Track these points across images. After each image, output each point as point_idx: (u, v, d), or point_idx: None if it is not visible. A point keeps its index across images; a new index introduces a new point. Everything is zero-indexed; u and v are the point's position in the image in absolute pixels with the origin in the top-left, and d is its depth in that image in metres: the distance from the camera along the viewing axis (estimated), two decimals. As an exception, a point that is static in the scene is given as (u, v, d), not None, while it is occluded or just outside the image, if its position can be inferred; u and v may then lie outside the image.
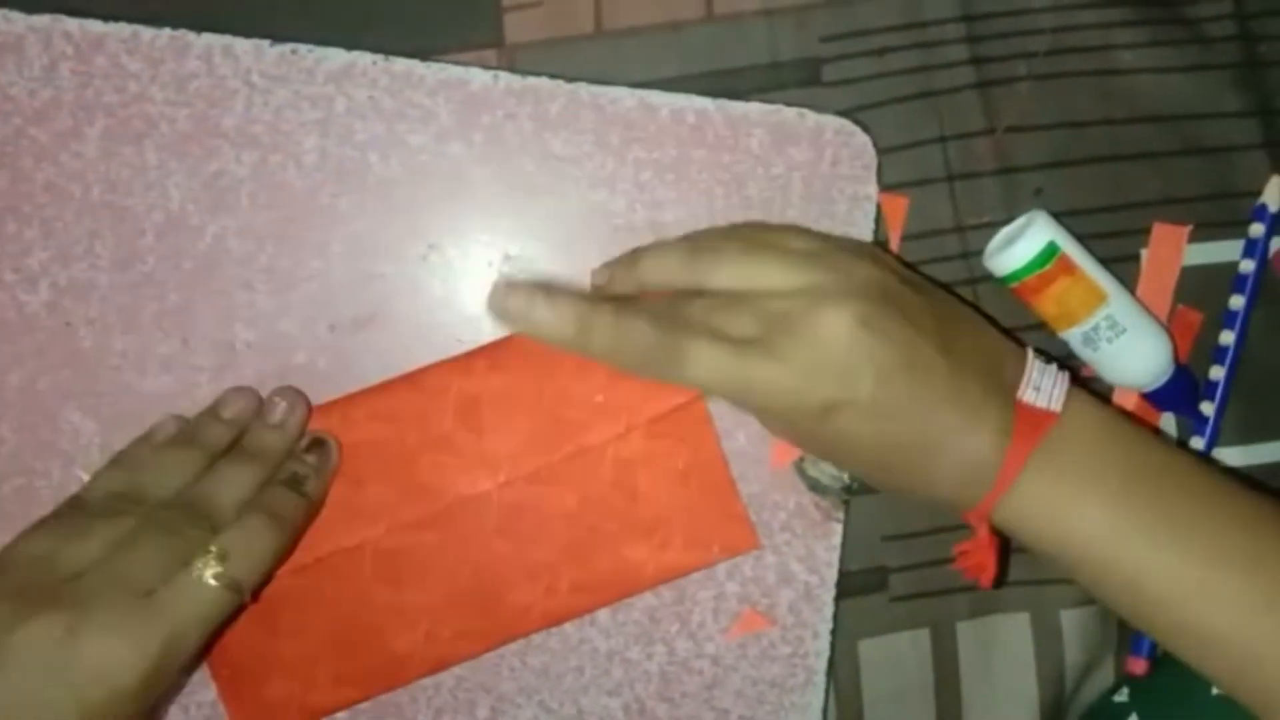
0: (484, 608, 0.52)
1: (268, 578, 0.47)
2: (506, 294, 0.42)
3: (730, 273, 0.46)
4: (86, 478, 0.51)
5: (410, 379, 0.52)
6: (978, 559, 0.48)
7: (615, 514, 0.53)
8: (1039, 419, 0.45)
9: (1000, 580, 0.51)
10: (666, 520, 0.53)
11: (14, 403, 0.51)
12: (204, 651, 0.50)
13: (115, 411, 0.52)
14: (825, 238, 0.48)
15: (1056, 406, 0.45)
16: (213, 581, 0.44)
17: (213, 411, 0.51)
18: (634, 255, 0.50)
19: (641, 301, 0.46)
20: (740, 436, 0.53)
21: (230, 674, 0.52)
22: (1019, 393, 0.45)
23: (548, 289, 0.42)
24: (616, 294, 0.50)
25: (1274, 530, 0.45)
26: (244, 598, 0.45)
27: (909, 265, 0.51)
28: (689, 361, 0.43)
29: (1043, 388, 0.46)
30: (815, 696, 0.55)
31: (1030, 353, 0.47)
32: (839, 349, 0.43)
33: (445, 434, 0.51)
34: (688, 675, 0.54)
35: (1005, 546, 0.50)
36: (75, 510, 0.47)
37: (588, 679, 0.54)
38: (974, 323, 0.48)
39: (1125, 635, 0.55)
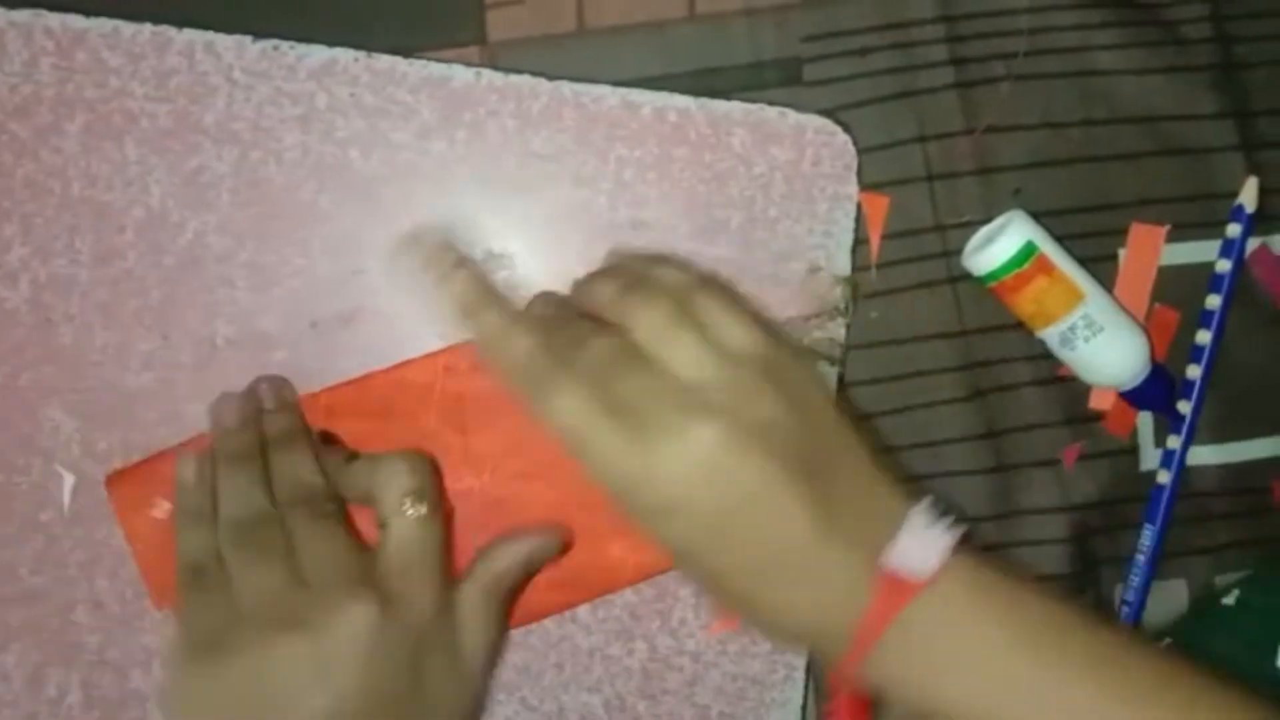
0: None
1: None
2: (428, 243, 0.42)
3: (645, 332, 0.43)
4: (67, 474, 0.51)
5: (394, 374, 0.52)
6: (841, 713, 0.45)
7: (596, 511, 0.52)
8: (901, 586, 0.42)
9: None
10: None
11: (-6, 399, 0.51)
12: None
13: (96, 408, 0.52)
14: (769, 339, 0.45)
15: (926, 572, 0.42)
16: (410, 512, 0.45)
17: (221, 425, 0.49)
18: (582, 278, 0.49)
19: (549, 322, 0.46)
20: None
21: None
22: (885, 556, 0.42)
23: (467, 263, 0.43)
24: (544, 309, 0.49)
25: (1170, 683, 0.42)
26: (445, 509, 0.47)
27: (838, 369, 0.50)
28: (551, 397, 0.42)
29: (914, 550, 0.42)
30: (795, 692, 0.55)
31: (913, 512, 0.43)
32: (695, 462, 0.41)
33: (430, 431, 0.51)
34: (669, 672, 0.54)
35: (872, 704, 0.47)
36: (201, 574, 0.46)
37: (568, 676, 0.54)
38: (859, 470, 0.44)
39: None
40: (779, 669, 0.55)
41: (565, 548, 0.50)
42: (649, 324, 0.43)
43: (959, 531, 0.43)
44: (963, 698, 0.42)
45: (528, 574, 0.49)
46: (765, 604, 0.43)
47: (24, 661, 0.51)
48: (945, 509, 0.44)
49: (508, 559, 0.49)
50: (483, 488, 0.52)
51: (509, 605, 0.50)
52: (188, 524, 0.48)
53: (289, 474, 0.47)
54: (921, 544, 0.42)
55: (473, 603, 0.47)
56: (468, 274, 0.43)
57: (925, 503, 0.44)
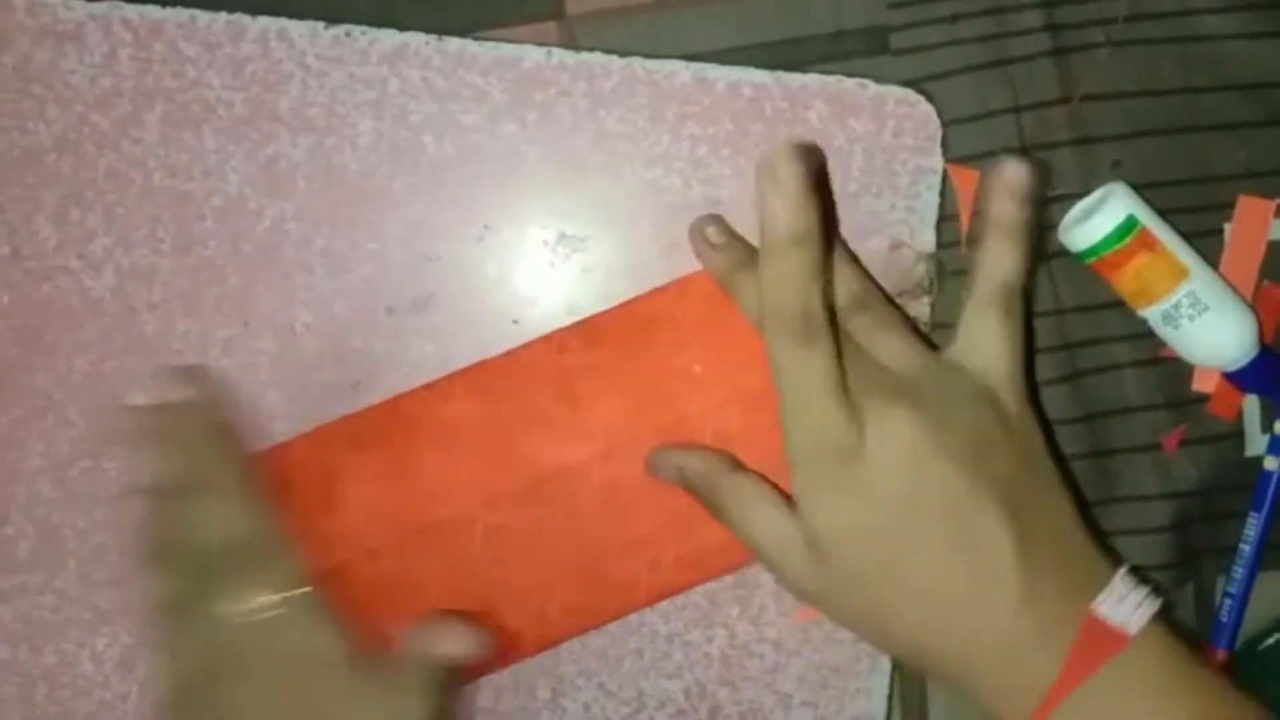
0: (589, 583, 0.52)
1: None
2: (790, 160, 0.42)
3: (858, 326, 0.47)
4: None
5: (507, 356, 0.52)
6: None
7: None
8: (1106, 637, 0.41)
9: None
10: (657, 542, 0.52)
11: (80, 387, 0.52)
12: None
13: (179, 395, 0.53)
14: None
15: (1133, 626, 0.42)
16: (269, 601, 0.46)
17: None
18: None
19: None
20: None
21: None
22: (1092, 604, 0.42)
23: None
24: None
25: None
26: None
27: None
28: (805, 354, 0.43)
29: (1118, 607, 0.42)
30: (880, 681, 0.54)
31: (1121, 570, 0.44)
32: (905, 444, 0.43)
33: (543, 410, 0.51)
34: (749, 659, 0.54)
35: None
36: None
37: (647, 662, 0.54)
38: (1063, 515, 0.45)
39: (1204, 627, 0.53)
40: (863, 658, 0.53)
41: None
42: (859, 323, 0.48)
43: (1159, 601, 0.43)
44: None
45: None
46: (940, 623, 0.43)
47: (115, 644, 0.53)
48: (1143, 579, 0.44)
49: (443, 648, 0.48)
50: (598, 465, 0.51)
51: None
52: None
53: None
54: (1125, 603, 0.42)
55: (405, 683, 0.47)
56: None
57: (1126, 567, 0.44)
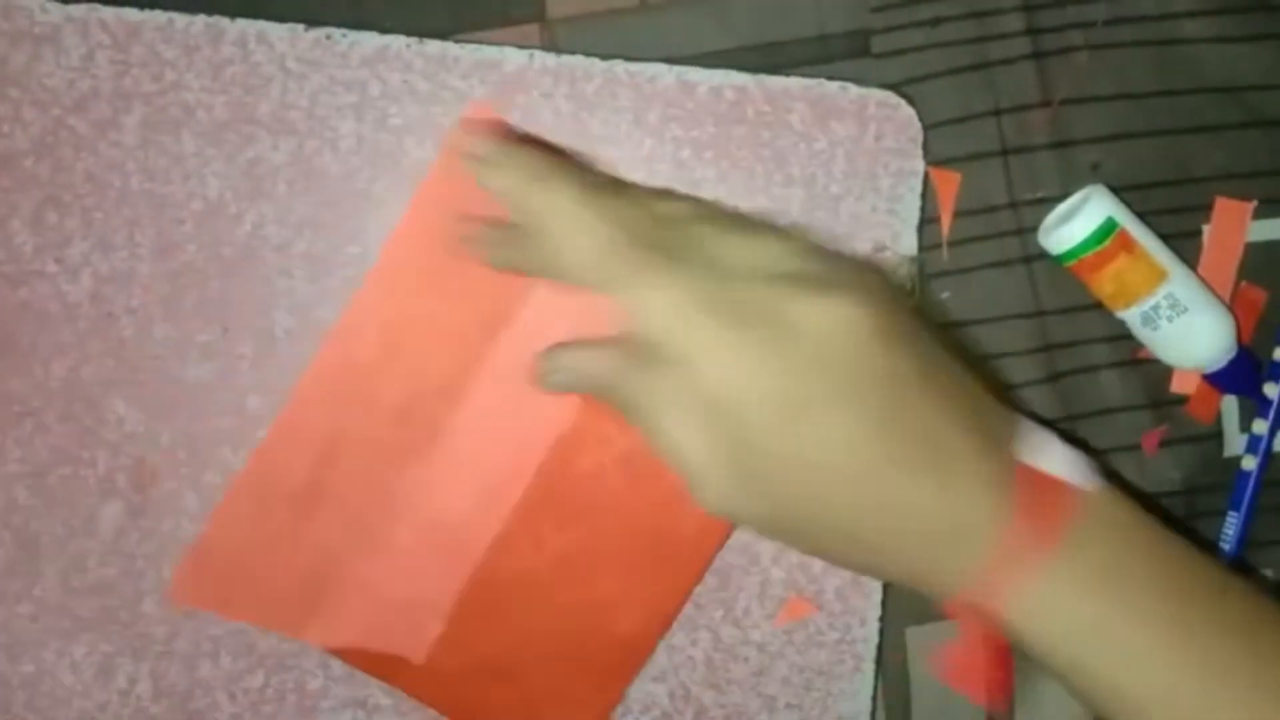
0: (668, 554, 0.52)
1: None
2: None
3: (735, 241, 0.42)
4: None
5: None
6: (973, 666, 0.41)
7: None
8: (1054, 493, 0.39)
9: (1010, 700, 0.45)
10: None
11: (58, 392, 0.52)
12: None
13: (158, 400, 0.52)
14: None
15: (1079, 478, 0.39)
16: None
17: None
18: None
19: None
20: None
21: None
22: (1030, 458, 0.39)
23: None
24: None
25: None
26: None
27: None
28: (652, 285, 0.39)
29: (1056, 458, 0.40)
30: (864, 683, 0.54)
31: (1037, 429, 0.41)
32: (839, 317, 0.38)
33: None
34: (734, 662, 0.54)
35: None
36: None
37: (632, 665, 0.54)
38: (968, 384, 0.42)
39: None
40: (847, 660, 0.54)
41: None
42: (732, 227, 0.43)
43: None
44: (1115, 660, 0.38)
45: None
46: (892, 499, 0.38)
47: (94, 652, 0.52)
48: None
49: None
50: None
51: None
52: None
53: None
54: (1062, 455, 0.40)
55: None
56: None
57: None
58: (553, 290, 0.43)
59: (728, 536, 0.53)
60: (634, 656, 0.53)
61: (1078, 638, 0.38)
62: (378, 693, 0.53)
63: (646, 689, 0.54)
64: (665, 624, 0.53)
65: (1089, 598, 0.38)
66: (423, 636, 0.52)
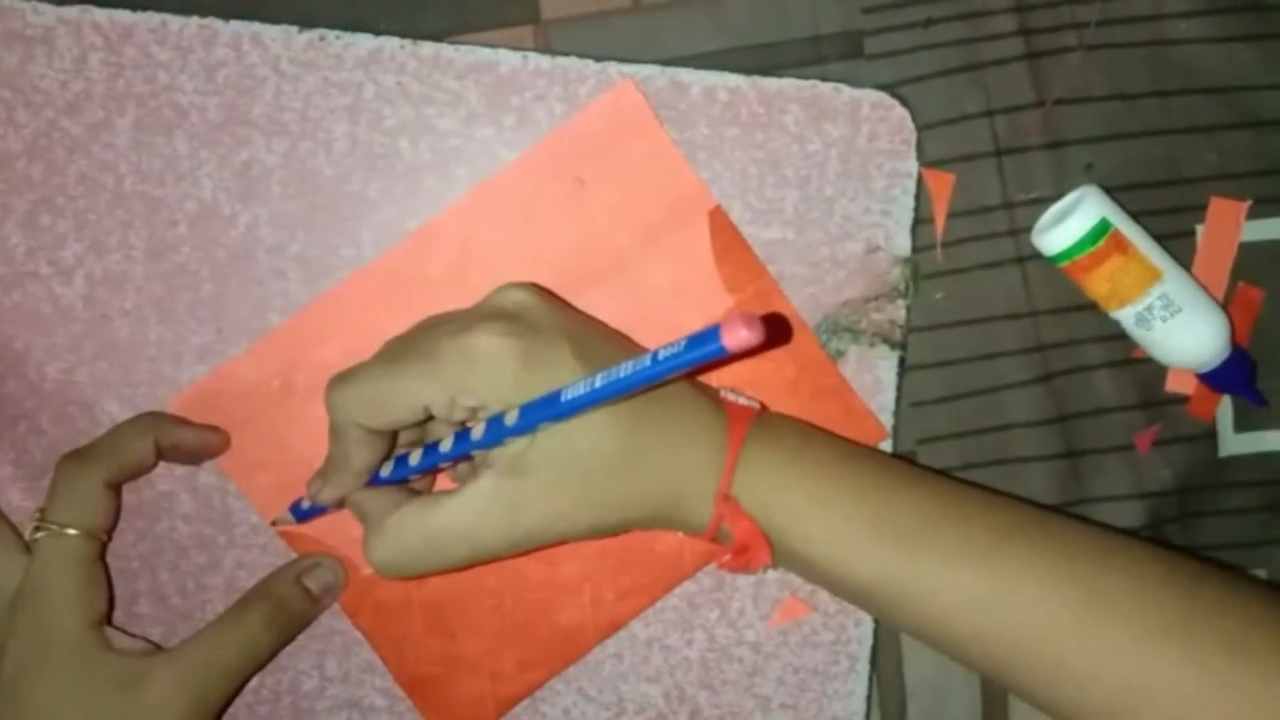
0: (638, 563, 0.53)
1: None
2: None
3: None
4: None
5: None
6: (744, 543, 0.46)
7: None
8: (745, 409, 0.47)
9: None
10: None
11: (52, 394, 0.52)
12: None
13: (152, 402, 0.52)
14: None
15: (755, 404, 0.48)
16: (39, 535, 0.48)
17: None
18: None
19: None
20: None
21: (419, 686, 0.53)
22: (722, 394, 0.48)
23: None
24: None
25: (970, 496, 0.47)
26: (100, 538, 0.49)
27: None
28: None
29: (738, 395, 0.49)
30: (858, 684, 0.54)
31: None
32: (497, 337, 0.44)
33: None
34: (728, 663, 0.54)
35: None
36: None
37: (627, 666, 0.54)
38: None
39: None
40: (841, 660, 0.54)
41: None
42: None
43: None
44: (806, 505, 0.45)
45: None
46: (639, 450, 0.44)
47: (89, 653, 0.52)
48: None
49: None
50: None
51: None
52: None
53: None
54: (737, 394, 0.49)
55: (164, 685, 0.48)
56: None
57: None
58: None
59: (705, 563, 0.53)
60: (568, 650, 0.53)
61: (780, 504, 0.45)
62: (373, 693, 0.53)
63: (641, 689, 0.54)
64: (608, 630, 0.53)
65: (781, 467, 0.46)
66: None
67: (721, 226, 0.52)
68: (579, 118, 0.51)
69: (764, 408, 0.49)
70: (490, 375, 0.43)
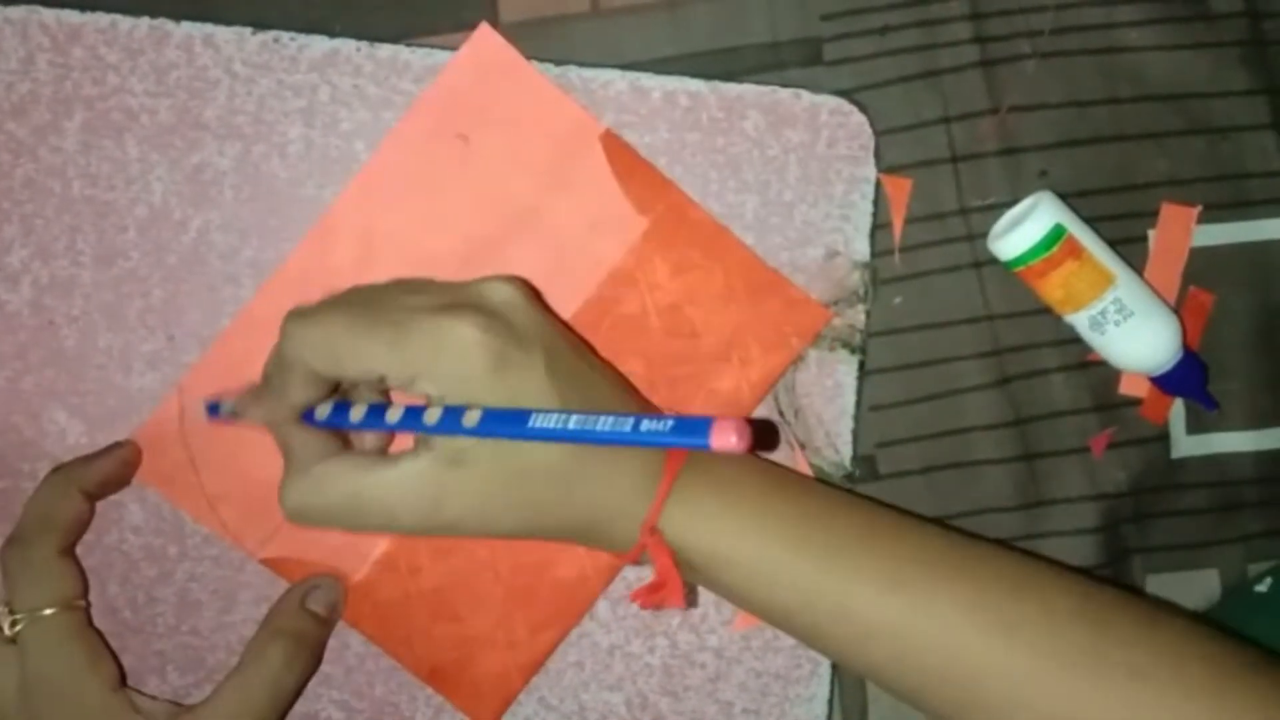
0: (461, 686, 0.53)
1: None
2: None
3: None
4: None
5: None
6: (660, 581, 0.45)
7: (685, 358, 0.52)
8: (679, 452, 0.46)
9: (693, 599, 0.51)
10: (735, 337, 0.52)
11: (-3, 404, 0.51)
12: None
13: (100, 410, 0.51)
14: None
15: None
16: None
17: None
18: None
19: None
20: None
21: (440, 675, 0.52)
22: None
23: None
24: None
25: (908, 530, 0.47)
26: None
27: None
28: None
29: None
30: (820, 688, 0.54)
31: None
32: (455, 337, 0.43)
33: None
34: (690, 669, 0.53)
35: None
36: None
37: (588, 674, 0.53)
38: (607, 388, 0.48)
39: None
40: (804, 664, 0.54)
41: None
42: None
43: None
44: (737, 539, 0.45)
45: None
46: (583, 472, 0.44)
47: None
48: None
49: None
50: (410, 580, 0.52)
51: None
52: None
53: None
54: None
55: None
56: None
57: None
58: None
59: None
60: (575, 603, 0.53)
61: (702, 537, 0.45)
62: (330, 706, 0.52)
63: (604, 698, 0.53)
64: (609, 574, 0.53)
65: (710, 499, 0.46)
66: (364, 551, 0.52)
67: (617, 149, 0.52)
68: (444, 75, 0.51)
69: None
70: (459, 368, 0.42)
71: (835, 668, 0.54)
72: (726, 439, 0.36)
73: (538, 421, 0.41)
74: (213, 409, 0.49)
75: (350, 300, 0.45)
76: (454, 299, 0.44)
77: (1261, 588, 0.54)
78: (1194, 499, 0.55)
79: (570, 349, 0.46)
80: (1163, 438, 0.55)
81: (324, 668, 0.52)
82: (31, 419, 0.51)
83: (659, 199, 0.52)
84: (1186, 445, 0.55)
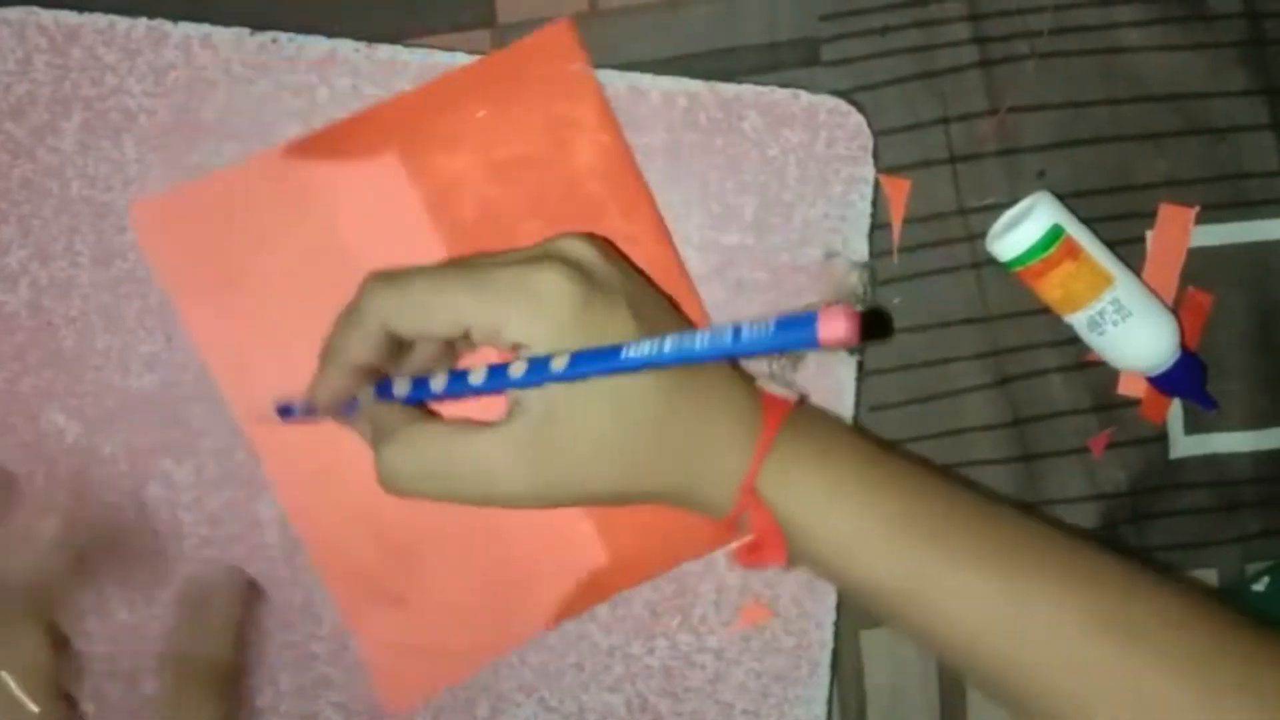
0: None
1: None
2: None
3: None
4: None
5: None
6: (760, 540, 0.45)
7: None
8: (781, 402, 0.46)
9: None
10: None
11: (-5, 405, 0.50)
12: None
13: (98, 412, 0.51)
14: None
15: (794, 396, 0.47)
16: None
17: None
18: None
19: None
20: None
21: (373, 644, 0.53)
22: (760, 384, 0.47)
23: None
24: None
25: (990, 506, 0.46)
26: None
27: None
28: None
29: (775, 384, 0.47)
30: (819, 688, 0.54)
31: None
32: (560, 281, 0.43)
33: None
34: (690, 670, 0.53)
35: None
36: None
37: (588, 675, 0.53)
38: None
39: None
40: (803, 665, 0.54)
41: None
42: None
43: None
44: (838, 502, 0.45)
45: None
46: (674, 430, 0.44)
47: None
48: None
49: None
50: None
51: None
52: None
53: None
54: (776, 385, 0.48)
55: None
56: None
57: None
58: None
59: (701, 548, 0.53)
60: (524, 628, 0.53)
61: (802, 501, 0.45)
62: (328, 708, 0.52)
63: (603, 699, 0.53)
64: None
65: (808, 464, 0.45)
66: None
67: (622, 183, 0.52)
68: (508, 51, 0.51)
69: (802, 400, 0.48)
70: (546, 315, 0.42)
71: (835, 668, 0.54)
72: (835, 329, 0.34)
73: (630, 352, 0.40)
74: (285, 411, 0.49)
75: (428, 267, 0.45)
76: (534, 253, 0.44)
77: (1259, 587, 0.54)
78: (1192, 499, 0.55)
79: (650, 296, 0.46)
80: (1161, 438, 0.55)
81: (324, 669, 0.52)
82: (29, 421, 0.50)
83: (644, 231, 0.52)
84: (1185, 445, 0.55)
